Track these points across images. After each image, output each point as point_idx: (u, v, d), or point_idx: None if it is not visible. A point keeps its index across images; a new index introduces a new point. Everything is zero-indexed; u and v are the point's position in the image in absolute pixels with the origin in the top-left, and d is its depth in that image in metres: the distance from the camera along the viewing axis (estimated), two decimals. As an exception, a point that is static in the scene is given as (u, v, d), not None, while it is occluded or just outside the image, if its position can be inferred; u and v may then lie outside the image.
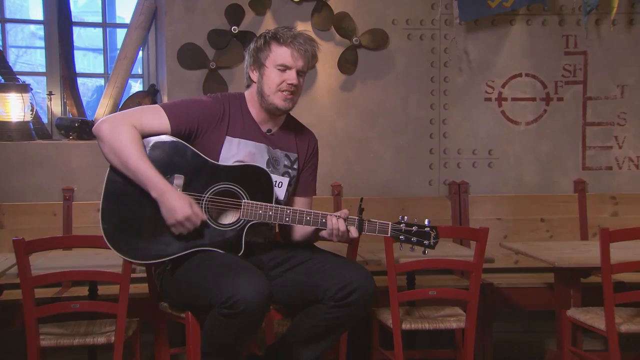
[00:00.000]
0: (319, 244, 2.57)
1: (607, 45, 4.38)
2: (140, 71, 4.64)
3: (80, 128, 4.13)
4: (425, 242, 2.39)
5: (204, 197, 2.34)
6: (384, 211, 3.93)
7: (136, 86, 4.84)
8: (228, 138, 2.42)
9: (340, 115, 4.32)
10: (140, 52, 4.50)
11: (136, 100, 4.36)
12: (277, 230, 2.64)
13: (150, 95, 4.40)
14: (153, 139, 2.33)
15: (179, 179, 2.32)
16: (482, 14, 4.22)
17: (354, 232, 2.34)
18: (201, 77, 4.17)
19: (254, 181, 2.35)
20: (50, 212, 3.95)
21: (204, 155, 2.36)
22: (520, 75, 4.38)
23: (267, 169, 2.39)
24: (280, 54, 2.39)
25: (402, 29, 4.31)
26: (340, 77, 4.30)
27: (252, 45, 2.48)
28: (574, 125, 4.41)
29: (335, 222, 2.31)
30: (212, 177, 2.34)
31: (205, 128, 2.39)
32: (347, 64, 4.27)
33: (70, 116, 4.32)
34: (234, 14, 4.14)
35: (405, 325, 2.94)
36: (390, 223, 2.38)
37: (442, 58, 4.34)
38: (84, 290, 3.34)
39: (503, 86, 4.37)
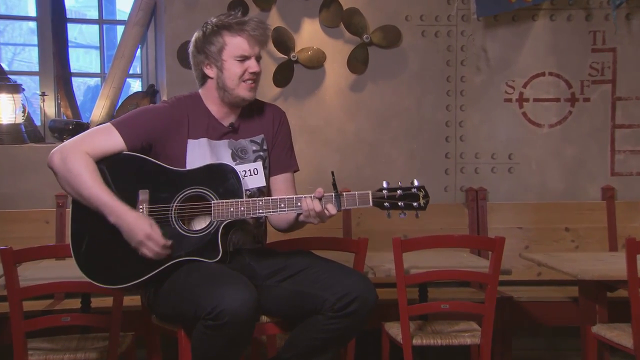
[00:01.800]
0: (317, 252, 2.58)
1: (638, 41, 4.36)
2: (139, 70, 4.68)
3: (75, 131, 4.16)
4: (415, 203, 2.35)
5: (172, 206, 2.36)
6: (396, 219, 3.93)
7: (136, 86, 4.87)
8: (190, 141, 2.45)
9: (350, 118, 4.33)
10: (139, 51, 4.55)
11: (134, 101, 4.40)
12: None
13: (149, 95, 4.44)
14: (110, 159, 2.38)
15: (144, 194, 2.36)
16: (502, 9, 4.21)
17: (331, 209, 2.32)
18: (202, 77, 4.20)
19: (220, 180, 2.37)
20: (42, 219, 3.98)
21: (165, 165, 2.39)
22: (543, 74, 4.37)
23: (231, 164, 2.40)
24: (237, 44, 2.42)
25: (415, 26, 4.32)
26: (350, 77, 4.31)
27: (197, 42, 2.48)
28: (601, 127, 4.39)
29: (310, 203, 2.30)
30: (178, 185, 2.37)
31: (163, 136, 2.42)
32: (357, 62, 4.28)
33: (65, 118, 4.37)
34: (238, 10, 4.17)
35: (417, 341, 2.94)
36: (370, 191, 2.35)
37: (458, 56, 4.34)
38: (77, 303, 3.36)
39: (524, 86, 4.36)
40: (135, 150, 2.40)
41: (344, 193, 2.36)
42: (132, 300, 3.23)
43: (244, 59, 2.43)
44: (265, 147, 2.56)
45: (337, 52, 4.28)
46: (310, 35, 4.28)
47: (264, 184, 2.52)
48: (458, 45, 4.34)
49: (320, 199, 2.32)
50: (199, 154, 2.44)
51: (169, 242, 2.30)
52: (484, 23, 4.32)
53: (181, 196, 2.36)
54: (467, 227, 4.23)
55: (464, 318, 3.19)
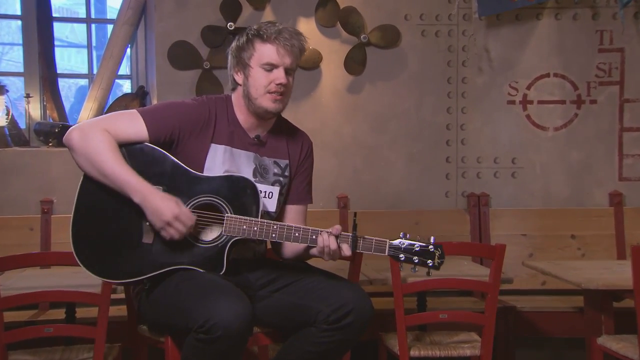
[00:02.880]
0: (312, 262, 2.57)
1: (646, 41, 4.37)
2: (128, 71, 4.69)
3: (61, 134, 4.16)
4: (429, 262, 2.37)
5: None
6: (394, 225, 3.93)
7: (126, 87, 4.88)
8: (213, 145, 2.43)
9: (347, 120, 4.34)
10: (129, 50, 4.55)
11: (123, 103, 4.40)
12: (269, 246, 2.65)
13: (138, 97, 4.45)
14: (129, 148, 2.35)
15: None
16: (505, 8, 4.22)
17: (346, 250, 2.33)
18: (194, 78, 4.21)
19: (238, 193, 2.36)
20: (26, 226, 3.98)
21: (185, 166, 2.37)
22: (547, 75, 4.38)
23: (252, 180, 2.40)
24: (265, 51, 2.40)
25: (415, 25, 4.33)
26: (347, 78, 4.32)
27: (233, 45, 2.49)
28: (609, 130, 4.40)
29: (327, 239, 2.31)
30: (193, 189, 2.35)
31: (187, 134, 2.40)
32: (354, 63, 4.29)
33: (51, 121, 4.37)
34: (230, 8, 4.18)
35: (414, 352, 2.94)
36: (387, 241, 2.36)
37: (460, 57, 4.35)
38: (62, 313, 3.36)
39: (528, 87, 4.37)
40: (157, 144, 2.37)
41: (363, 237, 2.36)
42: (119, 311, 3.22)
43: (271, 67, 2.40)
44: (287, 173, 2.55)
45: (333, 52, 4.29)
46: (305, 35, 4.09)
47: (274, 209, 2.51)
48: (459, 45, 4.35)
49: (337, 237, 2.33)
50: (219, 160, 2.43)
51: (194, 220, 2.29)
52: (486, 22, 4.33)
53: (195, 202, 2.35)
54: (469, 234, 4.24)
55: (465, 329, 3.19)
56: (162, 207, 2.25)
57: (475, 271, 3.38)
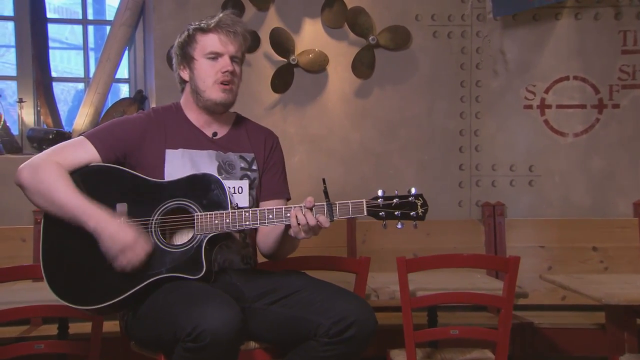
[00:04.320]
0: (312, 273, 2.58)
1: (672, 42, 4.37)
2: (126, 75, 4.71)
3: (55, 140, 4.18)
4: (412, 213, 2.36)
5: (152, 220, 2.38)
6: (405, 238, 3.95)
7: (124, 91, 4.89)
8: (169, 151, 2.48)
9: (355, 126, 4.34)
10: (126, 53, 4.58)
11: (120, 108, 4.43)
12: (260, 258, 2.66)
13: (136, 102, 4.47)
14: (83, 170, 2.40)
15: (122, 207, 2.38)
16: (521, 8, 4.23)
17: (324, 221, 2.32)
18: (194, 82, 4.23)
19: (204, 191, 2.38)
20: (18, 237, 4.00)
21: (143, 176, 2.42)
22: (567, 78, 4.38)
23: (216, 175, 2.42)
24: (207, 41, 2.47)
25: (427, 26, 4.34)
26: (355, 82, 4.33)
27: (175, 43, 2.56)
28: (633, 136, 4.39)
29: (302, 217, 2.31)
30: (158, 197, 2.39)
31: (138, 147, 2.46)
32: (362, 66, 4.30)
33: (45, 127, 4.40)
34: (233, 9, 4.20)
35: (423, 371, 2.93)
36: (364, 200, 2.35)
37: (473, 59, 4.35)
38: (54, 329, 3.37)
39: (546, 91, 4.37)
40: (110, 162, 2.43)
41: (337, 202, 2.35)
42: (114, 326, 3.23)
43: (215, 56, 2.47)
44: (254, 167, 2.59)
45: (340, 54, 4.29)
46: (311, 36, 4.31)
47: (247, 204, 2.53)
48: (473, 47, 4.35)
49: (311, 209, 2.33)
50: (179, 164, 2.47)
51: (150, 249, 2.32)
52: (502, 23, 4.33)
53: (162, 209, 2.38)
54: (483, 246, 4.23)
55: (479, 346, 3.17)
56: (119, 232, 2.28)
57: (490, 285, 3.36)
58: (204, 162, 2.51)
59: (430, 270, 2.95)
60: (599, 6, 4.33)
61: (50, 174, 2.34)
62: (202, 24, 2.49)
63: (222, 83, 2.47)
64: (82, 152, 2.41)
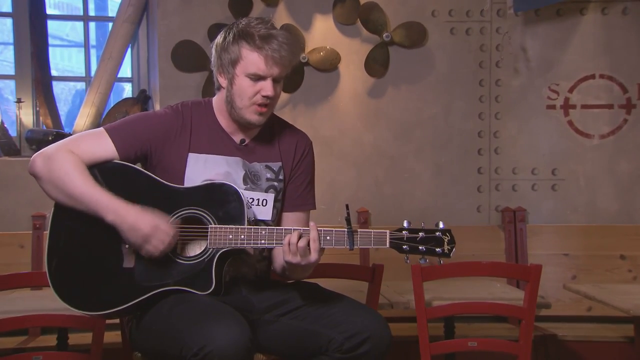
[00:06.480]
0: (323, 283, 2.57)
1: None
2: (129, 74, 4.74)
3: (55, 142, 4.21)
4: (438, 249, 2.32)
5: None
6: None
7: (127, 91, 4.92)
8: (192, 155, 2.45)
9: (368, 127, 4.35)
10: (129, 51, 4.60)
11: (123, 108, 4.46)
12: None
13: (139, 102, 4.49)
14: (98, 167, 2.39)
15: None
16: (543, 3, 4.23)
17: (313, 254, 2.27)
18: (200, 81, 4.25)
19: (221, 202, 2.36)
20: (16, 243, 4.02)
21: (160, 179, 2.40)
22: (592, 76, 4.37)
23: (234, 185, 2.39)
24: (252, 61, 2.39)
25: (443, 22, 4.34)
26: (368, 81, 4.34)
27: (219, 41, 2.48)
28: (662, 138, 4.37)
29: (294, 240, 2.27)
30: (172, 204, 2.37)
31: (160, 147, 2.43)
32: (376, 65, 4.31)
33: (44, 128, 4.43)
34: (240, 5, 4.22)
35: (440, 386, 2.93)
36: (387, 231, 2.33)
37: (493, 57, 4.35)
38: (53, 340, 3.39)
39: (570, 90, 4.36)
40: (129, 160, 2.41)
41: (359, 230, 2.33)
42: (115, 337, 3.24)
43: (258, 78, 2.40)
44: (281, 177, 2.55)
45: (353, 52, 4.30)
46: (322, 33, 4.32)
47: (269, 217, 2.51)
48: (492, 44, 4.35)
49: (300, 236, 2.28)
50: (201, 170, 2.44)
51: (176, 232, 2.31)
52: (523, 19, 4.33)
53: (175, 217, 2.37)
54: (504, 253, 4.22)
55: (499, 359, 3.17)
56: (138, 221, 2.28)
57: (510, 294, 3.36)
58: (229, 170, 2.47)
59: (447, 278, 2.95)
60: (628, 0, 4.31)
61: (66, 164, 2.32)
62: (249, 33, 2.39)
63: (259, 105, 2.41)
64: (99, 146, 2.38)
